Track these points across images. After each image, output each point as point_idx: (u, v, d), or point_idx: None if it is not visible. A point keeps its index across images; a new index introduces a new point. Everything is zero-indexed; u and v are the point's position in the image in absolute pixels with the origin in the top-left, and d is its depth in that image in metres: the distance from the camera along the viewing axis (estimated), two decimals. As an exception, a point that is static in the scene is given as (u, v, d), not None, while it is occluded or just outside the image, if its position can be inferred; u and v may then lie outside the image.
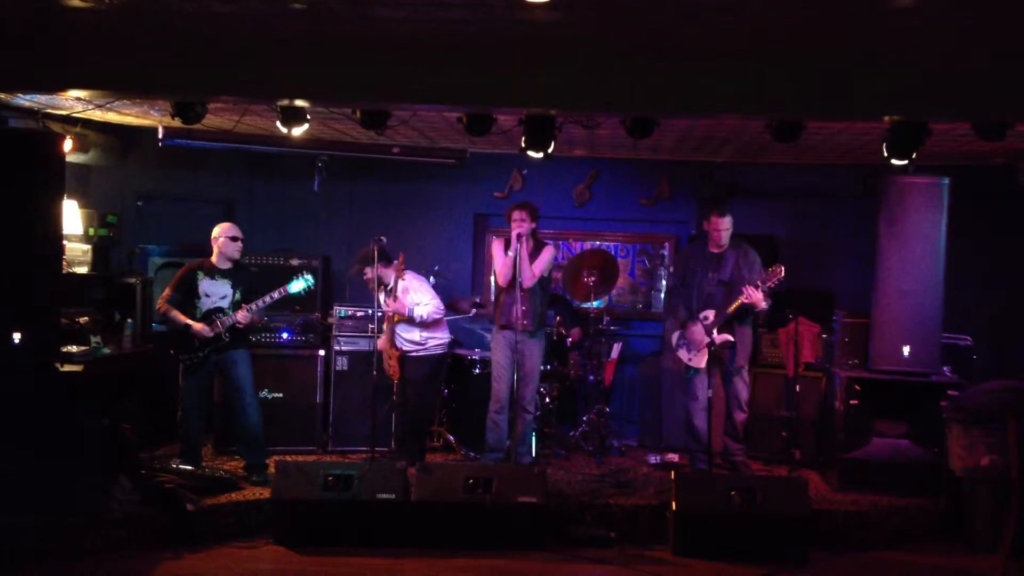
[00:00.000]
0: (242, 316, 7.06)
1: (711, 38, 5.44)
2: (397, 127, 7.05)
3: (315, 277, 7.46)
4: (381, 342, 7.55)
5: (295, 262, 8.20)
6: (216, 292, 7.15)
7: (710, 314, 7.38)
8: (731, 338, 7.38)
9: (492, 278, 8.70)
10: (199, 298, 7.13)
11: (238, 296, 7.17)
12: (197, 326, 7.03)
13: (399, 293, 7.52)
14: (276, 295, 7.11)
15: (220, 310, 7.09)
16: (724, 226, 7.43)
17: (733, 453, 7.59)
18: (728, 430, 7.62)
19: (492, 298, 8.98)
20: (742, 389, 7.56)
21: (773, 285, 7.18)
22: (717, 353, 7.39)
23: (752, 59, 5.73)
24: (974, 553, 6.56)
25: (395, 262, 7.49)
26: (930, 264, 7.19)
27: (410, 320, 7.53)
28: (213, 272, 7.20)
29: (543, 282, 7.59)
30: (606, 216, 9.75)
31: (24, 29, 5.76)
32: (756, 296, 7.16)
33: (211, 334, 7.04)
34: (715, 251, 7.51)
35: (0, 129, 6.69)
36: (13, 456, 5.97)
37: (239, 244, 7.24)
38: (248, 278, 7.33)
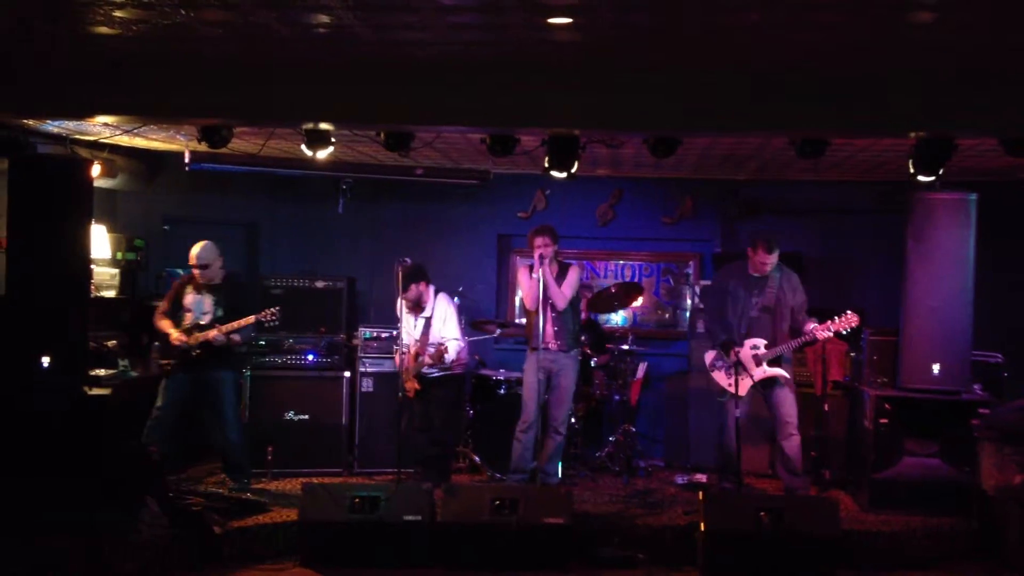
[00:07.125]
0: (213, 336, 7.06)
1: (735, 55, 5.44)
2: (421, 149, 7.09)
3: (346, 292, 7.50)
4: (407, 360, 7.54)
5: (320, 284, 8.22)
6: (198, 308, 7.22)
7: (760, 344, 7.13)
8: (786, 374, 7.10)
9: (518, 300, 8.71)
10: (183, 311, 7.22)
11: (220, 313, 7.18)
12: (175, 334, 7.10)
13: (436, 322, 7.52)
14: (238, 325, 7.06)
15: (199, 326, 7.14)
16: (772, 261, 7.16)
17: (796, 489, 7.09)
18: (783, 461, 7.15)
19: (517, 320, 9.01)
20: (790, 407, 7.08)
21: (844, 332, 6.98)
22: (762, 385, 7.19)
23: (777, 76, 5.73)
24: (1008, 573, 6.45)
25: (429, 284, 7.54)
26: (959, 281, 7.10)
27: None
28: (199, 288, 7.26)
29: (572, 302, 7.53)
30: (630, 235, 9.74)
31: (52, 56, 5.84)
32: (823, 337, 7.00)
33: (183, 345, 7.08)
34: (756, 274, 7.26)
35: (29, 155, 6.77)
36: (41, 479, 5.99)
37: (195, 269, 7.24)
38: (235, 297, 7.29)
